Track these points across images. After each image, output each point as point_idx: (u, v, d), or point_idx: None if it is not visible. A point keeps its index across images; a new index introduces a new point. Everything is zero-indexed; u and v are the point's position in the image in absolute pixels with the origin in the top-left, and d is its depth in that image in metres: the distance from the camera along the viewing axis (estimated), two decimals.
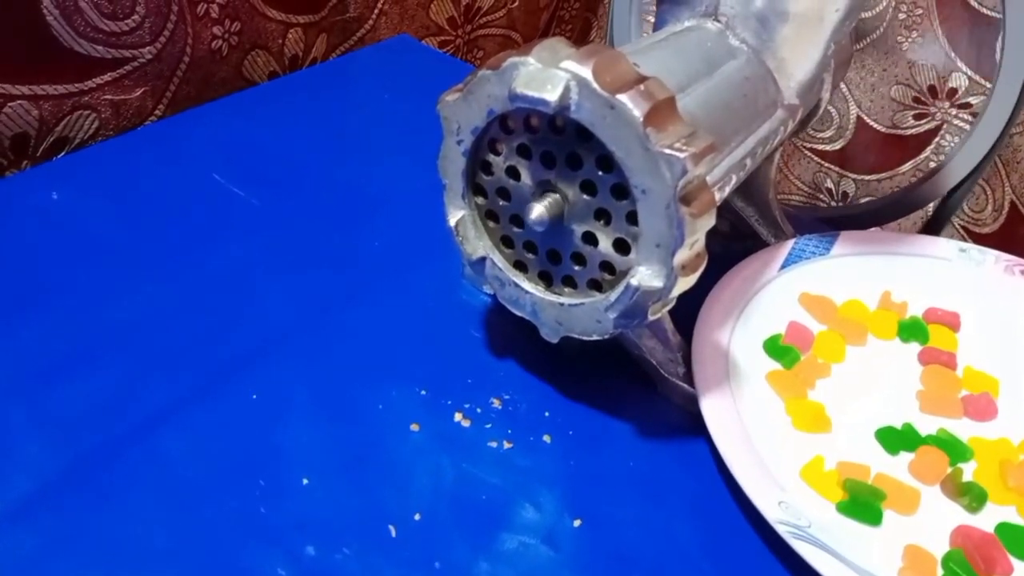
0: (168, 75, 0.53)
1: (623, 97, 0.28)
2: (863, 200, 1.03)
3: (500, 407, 0.37)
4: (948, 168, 0.47)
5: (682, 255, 0.30)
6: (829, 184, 1.04)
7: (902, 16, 0.91)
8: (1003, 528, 0.33)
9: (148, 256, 0.42)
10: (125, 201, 0.45)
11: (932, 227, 0.52)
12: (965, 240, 0.96)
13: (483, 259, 0.36)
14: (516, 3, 0.81)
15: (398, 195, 0.48)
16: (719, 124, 0.34)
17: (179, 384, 0.36)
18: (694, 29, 0.37)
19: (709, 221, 0.30)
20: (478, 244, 0.35)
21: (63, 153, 0.50)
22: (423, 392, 0.37)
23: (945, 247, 0.46)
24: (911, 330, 0.42)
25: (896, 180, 0.99)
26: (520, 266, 0.35)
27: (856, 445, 0.36)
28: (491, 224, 0.35)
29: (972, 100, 0.90)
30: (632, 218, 0.31)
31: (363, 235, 0.45)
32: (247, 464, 0.33)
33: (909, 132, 0.96)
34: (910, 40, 0.92)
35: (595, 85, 0.29)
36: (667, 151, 0.28)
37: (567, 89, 0.29)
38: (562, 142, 0.31)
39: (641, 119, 0.28)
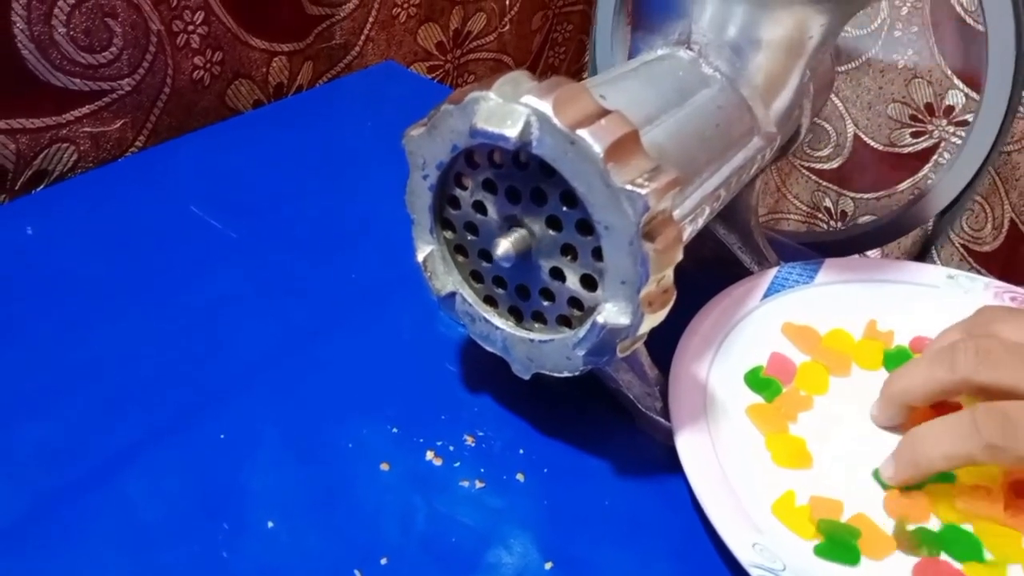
0: (148, 106, 0.53)
1: (583, 132, 0.28)
2: (862, 219, 1.02)
3: (473, 444, 0.36)
4: (934, 193, 0.47)
5: (648, 292, 0.29)
6: (828, 203, 1.03)
7: (897, 34, 0.90)
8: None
9: (119, 291, 0.42)
10: (100, 236, 0.45)
11: (922, 252, 0.51)
12: (965, 259, 0.95)
13: (452, 294, 0.35)
14: (507, 27, 0.81)
15: (377, 225, 0.48)
16: (690, 155, 0.34)
17: (146, 422, 0.35)
18: (667, 58, 0.37)
19: (675, 257, 0.30)
20: (447, 280, 0.35)
21: (41, 187, 0.50)
22: (394, 430, 0.36)
23: (933, 274, 0.45)
24: (897, 360, 0.41)
25: (895, 198, 0.98)
26: (490, 301, 0.35)
27: (836, 481, 0.35)
28: (460, 259, 0.35)
29: (969, 118, 0.89)
30: (598, 254, 0.30)
31: (340, 266, 0.45)
32: (211, 506, 0.33)
33: (907, 150, 0.95)
34: (906, 58, 0.91)
35: (555, 120, 0.28)
36: (628, 187, 0.28)
37: (528, 124, 0.29)
38: (526, 177, 0.31)
39: (602, 155, 0.28)
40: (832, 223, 1.04)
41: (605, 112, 0.29)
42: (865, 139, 0.97)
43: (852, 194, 1.01)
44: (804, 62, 0.36)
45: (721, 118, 0.35)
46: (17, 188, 0.49)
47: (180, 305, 0.41)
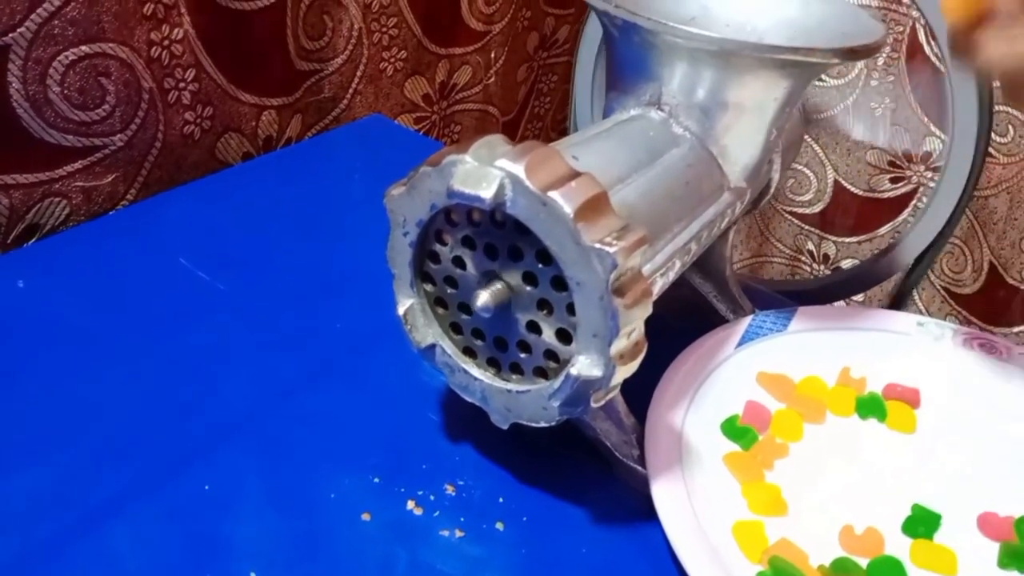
0: (139, 160, 0.54)
1: (554, 194, 0.29)
2: (844, 263, 1.04)
3: (454, 493, 0.37)
4: (905, 243, 0.48)
5: (619, 345, 0.30)
6: (810, 246, 1.05)
7: (874, 83, 0.93)
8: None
9: (109, 343, 0.42)
10: (90, 288, 0.46)
11: (897, 301, 0.52)
12: (947, 301, 0.96)
13: (433, 346, 0.36)
14: (493, 79, 0.83)
15: (362, 275, 0.49)
16: (660, 212, 0.35)
17: (132, 473, 0.36)
18: (638, 118, 0.38)
19: (644, 311, 0.31)
20: (427, 332, 0.36)
21: (33, 240, 0.51)
22: (376, 479, 0.37)
23: (903, 321, 0.46)
24: (870, 407, 0.42)
25: (876, 242, 1.00)
26: (469, 352, 0.36)
27: (810, 529, 0.36)
28: (440, 311, 0.36)
29: None
30: (572, 309, 0.31)
31: (325, 317, 0.46)
32: (195, 557, 0.33)
33: (886, 195, 0.98)
34: (883, 106, 0.93)
35: (528, 183, 0.29)
36: (598, 246, 0.29)
37: (502, 187, 0.30)
38: (503, 235, 0.32)
39: (572, 215, 0.29)
40: (815, 266, 1.06)
41: (576, 174, 0.30)
42: (845, 184, 0.99)
43: (834, 238, 1.03)
44: (771, 122, 0.38)
45: (691, 176, 0.37)
46: (9, 242, 0.50)
47: (167, 357, 0.42)
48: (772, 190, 0.44)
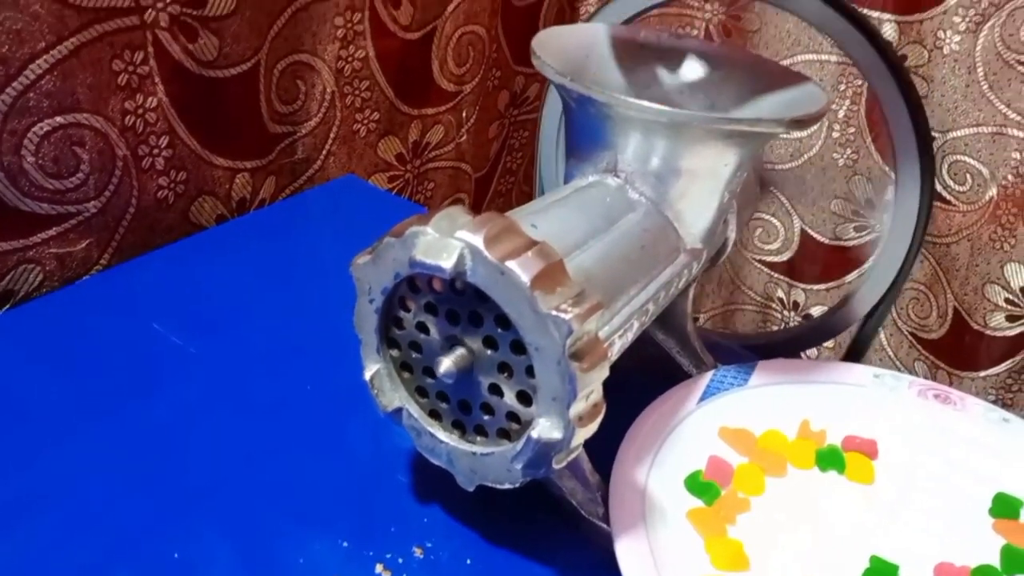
0: (113, 226, 0.55)
1: (512, 264, 0.30)
2: (814, 309, 1.06)
3: (422, 556, 0.37)
4: (858, 296, 0.50)
5: (577, 407, 0.31)
6: (780, 294, 1.07)
7: (836, 135, 0.95)
8: None
9: (81, 410, 0.43)
10: (63, 355, 0.46)
11: (853, 353, 0.54)
12: (914, 346, 0.98)
13: (399, 410, 0.37)
14: (465, 137, 0.85)
15: (332, 338, 0.49)
16: (616, 276, 0.36)
17: (104, 540, 0.36)
18: (596, 184, 0.40)
19: (601, 374, 0.32)
20: (394, 396, 0.37)
21: (7, 307, 0.51)
22: (345, 543, 0.38)
23: (860, 373, 0.48)
24: (829, 459, 0.43)
25: (843, 289, 1.02)
26: (435, 415, 0.37)
27: None
28: (406, 375, 0.37)
29: None
30: (531, 372, 0.32)
31: (296, 380, 0.47)
32: None
33: (852, 243, 1.00)
34: (845, 157, 0.96)
35: (486, 253, 0.31)
36: (554, 312, 0.30)
37: (462, 257, 0.31)
38: (464, 302, 0.33)
39: (528, 284, 0.30)
40: (785, 313, 1.08)
41: (532, 244, 0.31)
42: (812, 233, 1.01)
43: (803, 285, 1.05)
44: (723, 186, 0.39)
45: (646, 240, 0.38)
46: None
47: (138, 423, 0.43)
48: (729, 248, 0.45)
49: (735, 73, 0.43)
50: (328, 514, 0.39)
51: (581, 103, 0.38)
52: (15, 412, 0.42)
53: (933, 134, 0.86)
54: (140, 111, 0.54)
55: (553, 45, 0.41)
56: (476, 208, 0.94)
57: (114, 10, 0.50)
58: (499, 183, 0.98)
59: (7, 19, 0.45)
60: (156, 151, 0.56)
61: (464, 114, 0.83)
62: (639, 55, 0.44)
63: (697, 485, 0.41)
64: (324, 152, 0.71)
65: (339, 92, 0.69)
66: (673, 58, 0.44)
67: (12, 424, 0.42)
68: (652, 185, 0.39)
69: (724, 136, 0.37)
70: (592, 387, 0.32)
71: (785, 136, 0.96)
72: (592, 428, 0.33)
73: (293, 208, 0.66)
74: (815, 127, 0.94)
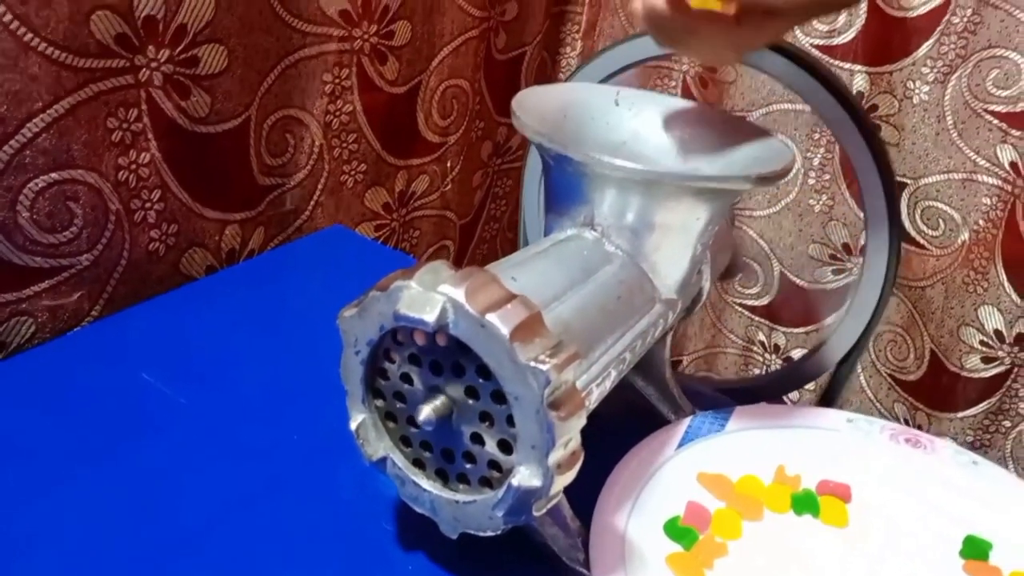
0: (105, 278, 0.56)
1: (492, 317, 0.32)
2: (794, 351, 1.08)
3: None
4: (832, 343, 0.51)
5: (556, 455, 0.33)
6: (761, 337, 1.09)
7: (811, 181, 0.98)
8: None
9: (72, 460, 0.43)
10: (55, 406, 0.47)
11: (827, 397, 0.55)
12: (893, 388, 1.00)
13: (384, 459, 0.38)
14: (449, 186, 0.87)
15: (319, 387, 0.50)
16: (593, 326, 0.38)
17: None
18: (574, 238, 0.41)
19: (579, 422, 0.33)
20: (379, 445, 0.38)
21: (0, 358, 0.52)
22: None
23: (833, 418, 0.49)
24: (804, 503, 0.44)
25: (822, 332, 1.04)
26: (419, 464, 0.38)
27: None
28: (391, 425, 0.38)
29: None
30: (511, 420, 0.33)
31: (283, 429, 0.47)
32: None
33: (830, 286, 1.02)
34: (821, 203, 0.99)
35: (467, 307, 0.32)
36: (532, 363, 0.31)
37: (444, 310, 0.32)
38: (446, 353, 0.34)
39: (508, 335, 0.31)
40: (767, 356, 1.09)
41: (512, 297, 0.33)
42: (791, 277, 1.03)
43: (784, 328, 1.07)
44: (695, 239, 0.41)
45: (623, 291, 0.40)
46: None
47: (128, 473, 0.43)
48: (704, 297, 0.47)
49: (707, 130, 0.45)
50: (315, 561, 0.40)
51: (559, 161, 0.40)
52: (7, 462, 0.43)
53: (905, 180, 0.89)
54: (133, 166, 0.55)
55: (532, 104, 0.42)
56: (461, 254, 0.96)
57: (110, 70, 0.52)
58: (484, 230, 0.99)
59: (6, 80, 0.47)
60: (148, 205, 0.57)
61: (449, 164, 0.85)
62: (615, 113, 0.46)
63: (676, 530, 0.42)
64: (312, 203, 0.72)
65: (327, 145, 0.71)
66: (649, 115, 0.46)
67: (4, 473, 0.42)
68: (628, 238, 0.41)
69: (695, 192, 0.39)
70: (570, 435, 0.33)
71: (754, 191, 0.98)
72: (571, 475, 0.34)
73: (281, 259, 0.67)
74: (795, 171, 0.97)
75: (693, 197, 0.39)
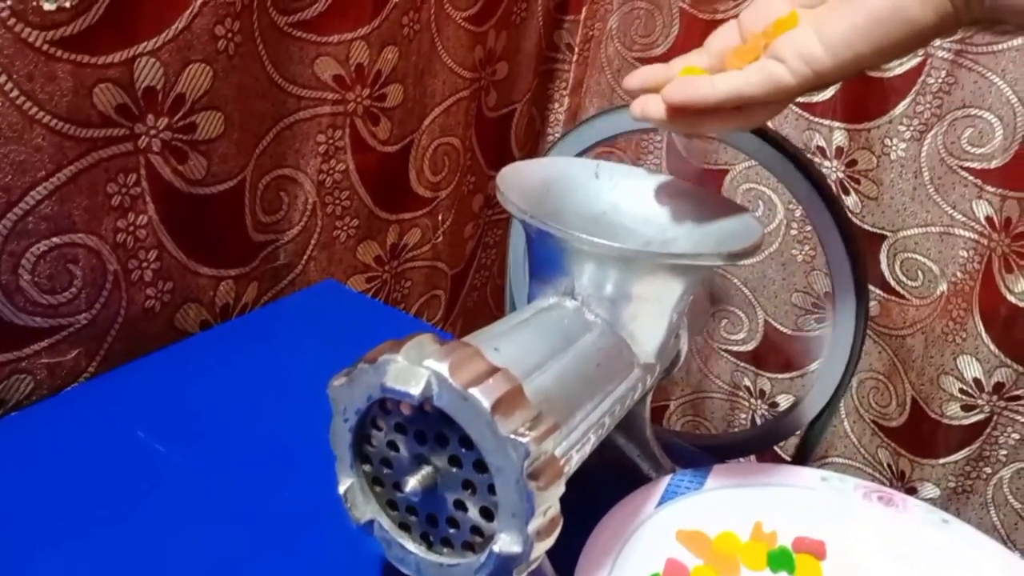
0: (102, 336, 0.58)
1: (474, 391, 0.33)
2: (780, 397, 1.09)
3: None
4: (804, 403, 0.53)
5: (535, 523, 0.34)
6: (747, 382, 1.11)
7: (793, 232, 1.00)
8: None
9: (65, 518, 0.45)
10: (51, 464, 0.48)
11: (800, 456, 0.57)
12: (876, 434, 1.01)
13: (371, 522, 0.39)
14: (441, 238, 0.89)
15: (310, 446, 0.52)
16: (573, 394, 0.39)
17: None
18: (555, 307, 0.43)
19: (558, 491, 0.35)
20: (366, 509, 0.39)
21: None
22: None
23: (808, 476, 0.51)
24: (780, 560, 0.46)
25: (807, 378, 1.06)
26: (404, 527, 0.39)
27: None
28: (378, 489, 0.39)
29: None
30: (492, 490, 0.35)
31: (274, 487, 0.49)
32: None
33: (813, 334, 1.04)
34: (803, 253, 1.01)
35: (451, 381, 0.34)
36: (512, 436, 0.33)
37: (428, 384, 0.34)
38: (431, 423, 0.36)
39: (489, 409, 0.33)
40: (752, 401, 1.11)
41: (494, 370, 0.35)
42: (775, 324, 1.05)
43: (768, 374, 1.09)
44: (671, 309, 0.43)
45: (601, 358, 0.41)
46: None
47: (120, 530, 0.44)
48: (682, 360, 0.49)
49: (683, 204, 0.47)
50: None
51: (540, 235, 0.42)
52: (5, 518, 0.44)
53: (885, 232, 0.91)
54: (131, 228, 0.57)
55: (516, 179, 0.45)
56: (452, 302, 0.98)
57: (111, 139, 0.54)
58: (474, 278, 1.01)
59: (11, 152, 0.49)
60: (145, 264, 0.59)
61: (440, 217, 0.87)
62: (595, 185, 0.48)
63: None
64: (305, 257, 0.74)
65: (320, 202, 0.73)
66: (627, 188, 0.48)
67: (2, 530, 0.43)
68: (606, 308, 0.43)
69: (669, 268, 0.41)
70: (549, 503, 0.34)
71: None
72: (550, 541, 0.35)
73: (274, 314, 0.69)
74: (777, 221, 0.99)
75: (667, 272, 0.41)
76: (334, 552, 0.45)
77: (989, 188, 0.83)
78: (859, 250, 0.51)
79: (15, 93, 0.48)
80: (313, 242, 0.74)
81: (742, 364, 1.10)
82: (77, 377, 0.57)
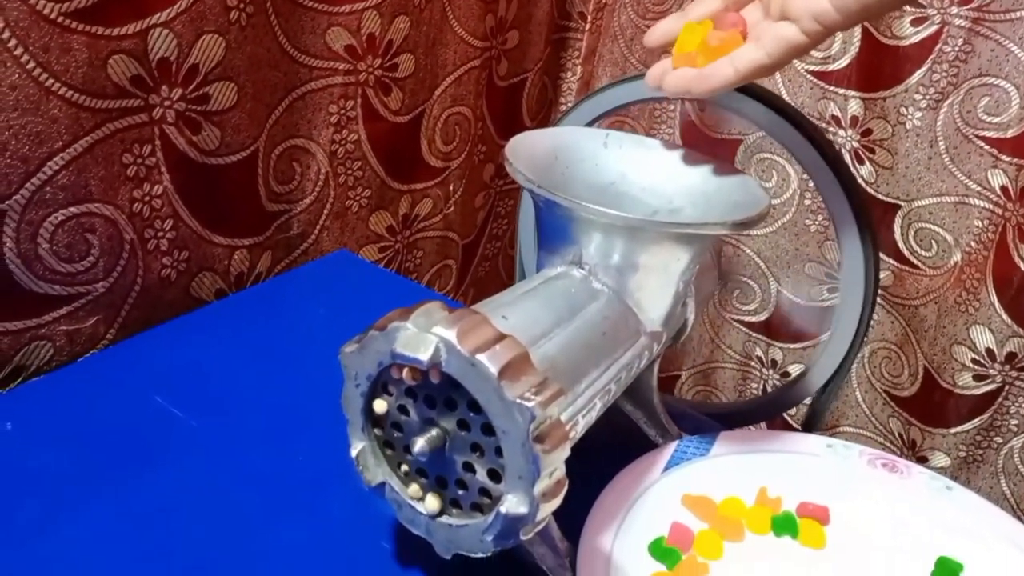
0: (119, 304, 0.59)
1: (481, 357, 0.34)
2: (792, 367, 1.10)
3: None
4: (813, 372, 0.53)
5: (541, 485, 0.35)
6: (759, 352, 1.11)
7: (807, 202, 1.00)
8: None
9: (85, 481, 0.46)
10: (71, 428, 0.50)
11: (809, 424, 0.57)
12: (888, 403, 1.02)
13: (382, 484, 0.40)
14: (452, 208, 0.89)
15: (323, 411, 0.53)
16: (579, 361, 0.40)
17: None
18: (563, 275, 0.44)
19: (563, 454, 0.35)
20: (377, 471, 0.40)
21: (19, 381, 0.55)
22: None
23: (813, 443, 0.51)
24: (783, 525, 0.46)
25: (820, 347, 1.06)
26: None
27: None
28: (388, 452, 0.40)
29: (880, 274, 0.98)
30: (500, 452, 0.36)
31: (289, 452, 0.50)
32: None
33: (826, 304, 1.04)
34: (816, 223, 1.01)
35: (459, 347, 0.34)
36: (518, 400, 0.34)
37: (437, 350, 0.35)
38: (439, 388, 0.37)
39: (496, 374, 0.34)
40: (764, 371, 1.11)
41: (501, 337, 0.35)
42: (787, 294, 1.05)
43: (781, 344, 1.09)
44: (677, 278, 0.44)
45: (607, 326, 0.42)
46: None
47: (140, 494, 0.46)
48: (689, 328, 0.49)
49: (690, 173, 0.47)
50: None
51: (548, 205, 0.42)
52: (27, 481, 0.46)
53: (899, 202, 0.91)
54: (147, 198, 0.58)
55: (524, 149, 0.45)
56: (463, 273, 0.99)
57: (126, 109, 0.54)
58: (486, 248, 1.02)
59: (29, 123, 0.49)
60: (160, 233, 0.60)
61: (451, 187, 0.87)
62: (604, 155, 0.49)
63: (660, 550, 0.44)
64: (318, 227, 0.75)
65: (332, 172, 0.73)
66: (636, 158, 0.49)
67: (24, 493, 0.45)
68: (613, 277, 0.43)
69: (675, 237, 0.41)
70: (555, 466, 0.35)
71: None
72: (556, 503, 0.36)
73: (288, 284, 0.70)
74: (791, 191, 0.99)
75: (674, 241, 0.42)
76: (347, 514, 0.46)
77: (1005, 157, 0.83)
78: (867, 214, 0.51)
79: (31, 65, 0.48)
80: (326, 212, 0.75)
81: (754, 334, 1.10)
82: (96, 344, 0.58)
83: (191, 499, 0.46)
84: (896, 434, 1.01)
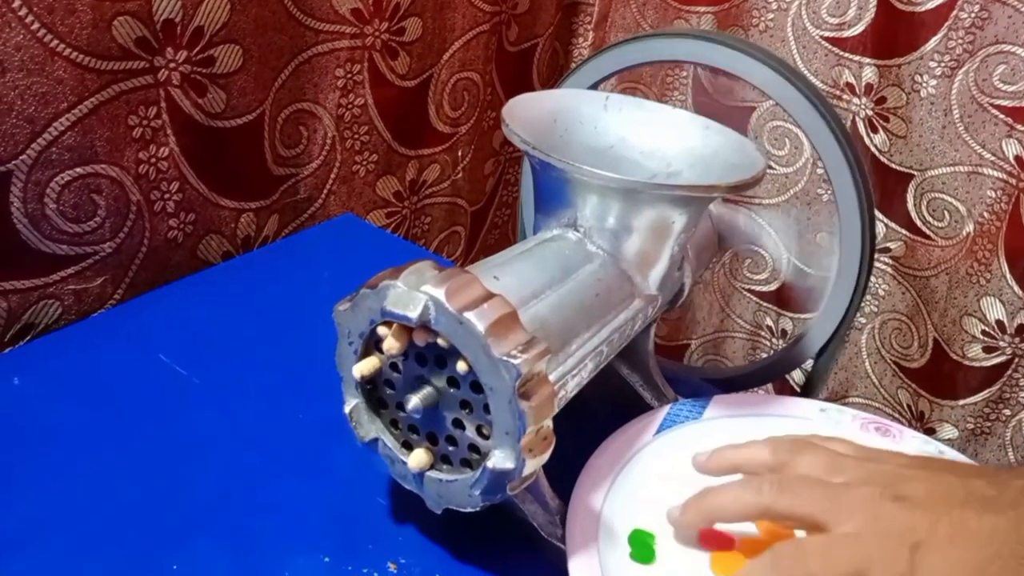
0: (127, 264, 0.60)
1: (469, 315, 0.35)
2: (797, 335, 1.10)
3: (396, 570, 0.42)
4: (809, 337, 0.53)
5: (527, 440, 0.36)
6: (769, 322, 1.11)
7: (820, 171, 0.99)
8: None
9: (91, 437, 0.47)
10: (78, 385, 0.51)
11: (807, 388, 0.57)
12: (897, 375, 1.02)
13: (375, 440, 0.41)
14: (460, 174, 0.89)
15: (323, 370, 0.54)
16: (569, 322, 0.40)
17: (109, 562, 0.40)
18: (558, 238, 0.44)
19: (549, 411, 0.36)
20: (371, 428, 0.41)
21: (28, 339, 0.56)
22: (327, 559, 0.42)
23: (807, 407, 0.51)
24: None
25: (819, 311, 1.06)
26: (407, 445, 0.41)
27: None
28: (381, 410, 0.41)
29: (891, 245, 0.97)
30: (488, 409, 0.36)
31: (289, 409, 0.51)
32: None
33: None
34: (828, 193, 1.00)
35: (447, 305, 0.35)
36: (505, 358, 0.34)
37: (426, 308, 0.35)
38: (430, 345, 0.37)
39: (483, 332, 0.34)
40: (774, 340, 1.11)
41: (489, 296, 0.36)
42: (798, 264, 1.05)
43: (791, 314, 1.09)
44: (673, 240, 0.44)
45: (600, 288, 0.42)
46: (6, 341, 0.55)
47: (144, 449, 0.47)
48: (686, 292, 0.49)
49: (689, 136, 0.47)
50: (313, 532, 0.43)
51: (544, 167, 0.42)
52: (34, 436, 0.47)
53: (912, 172, 0.90)
54: (153, 160, 0.59)
55: (522, 111, 0.45)
56: (472, 240, 0.99)
57: (131, 71, 0.55)
58: (495, 216, 1.02)
59: (34, 83, 0.50)
60: (167, 196, 0.61)
61: (459, 153, 0.87)
62: (604, 117, 0.49)
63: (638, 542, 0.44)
64: (325, 191, 0.75)
65: (339, 136, 0.74)
66: (636, 121, 0.49)
67: (32, 447, 0.46)
68: (608, 239, 0.43)
69: (670, 199, 0.41)
70: (541, 422, 0.36)
71: (775, 172, 1.00)
72: (542, 459, 0.37)
73: (294, 246, 0.70)
74: (803, 160, 0.98)
75: (669, 204, 0.42)
76: (345, 471, 0.47)
77: (1020, 127, 0.82)
78: (864, 177, 0.51)
79: (36, 26, 0.49)
80: (333, 176, 0.75)
81: (765, 304, 1.10)
82: (104, 303, 0.59)
83: (193, 454, 0.47)
84: (904, 405, 1.01)
